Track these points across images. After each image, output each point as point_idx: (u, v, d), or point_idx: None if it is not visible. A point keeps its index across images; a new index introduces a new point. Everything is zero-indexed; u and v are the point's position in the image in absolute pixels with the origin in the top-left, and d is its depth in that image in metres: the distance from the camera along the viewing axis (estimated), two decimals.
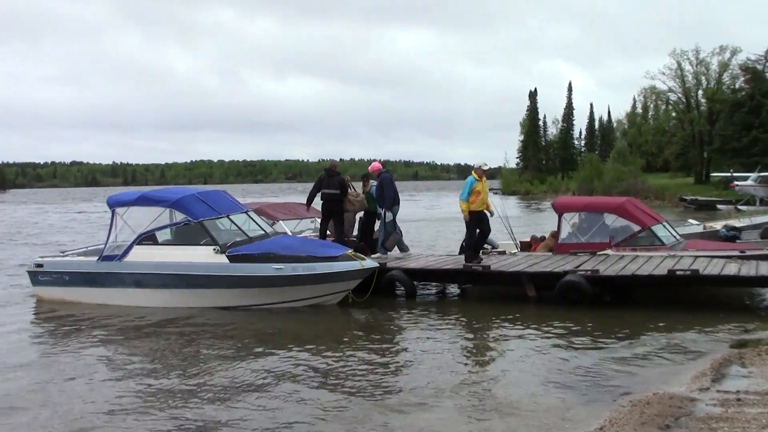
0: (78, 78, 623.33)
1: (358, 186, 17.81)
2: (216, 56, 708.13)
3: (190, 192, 15.45)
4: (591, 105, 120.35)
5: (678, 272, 13.00)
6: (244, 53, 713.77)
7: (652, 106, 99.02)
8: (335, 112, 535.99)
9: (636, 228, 15.91)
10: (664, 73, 76.38)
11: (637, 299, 13.74)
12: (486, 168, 15.55)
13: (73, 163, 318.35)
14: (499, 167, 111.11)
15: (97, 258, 14.98)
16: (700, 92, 76.19)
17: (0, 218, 55.51)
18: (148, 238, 14.62)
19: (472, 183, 15.08)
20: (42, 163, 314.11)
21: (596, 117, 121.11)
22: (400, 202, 17.02)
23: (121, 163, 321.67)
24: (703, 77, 75.37)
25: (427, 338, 11.39)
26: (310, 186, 17.49)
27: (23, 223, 48.72)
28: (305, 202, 17.48)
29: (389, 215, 16.51)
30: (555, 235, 16.70)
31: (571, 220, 16.60)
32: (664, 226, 16.51)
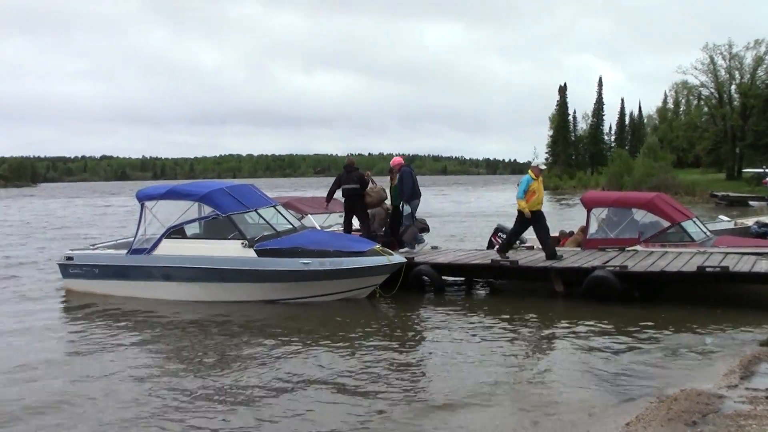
0: (107, 72, 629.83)
1: (385, 180, 17.84)
2: (243, 51, 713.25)
3: (218, 186, 15.52)
4: (622, 100, 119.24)
5: (708, 269, 12.87)
6: (271, 47, 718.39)
7: (683, 101, 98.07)
8: (363, 107, 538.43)
9: (666, 224, 15.76)
10: (696, 68, 75.71)
11: (666, 296, 13.61)
12: (543, 168, 15.48)
13: (103, 158, 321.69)
14: (528, 162, 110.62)
15: (126, 251, 15.11)
16: (733, 87, 75.41)
17: (30, 212, 56.19)
18: (176, 231, 14.73)
19: (529, 181, 15.01)
20: (72, 157, 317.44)
21: (627, 112, 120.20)
22: (421, 196, 17.08)
23: (150, 157, 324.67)
24: (736, 72, 74.61)
25: (455, 334, 11.35)
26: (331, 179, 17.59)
27: (53, 216, 49.28)
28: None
29: (407, 208, 16.52)
30: (583, 230, 16.61)
31: (600, 215, 16.48)
32: (694, 222, 16.35)
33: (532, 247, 16.74)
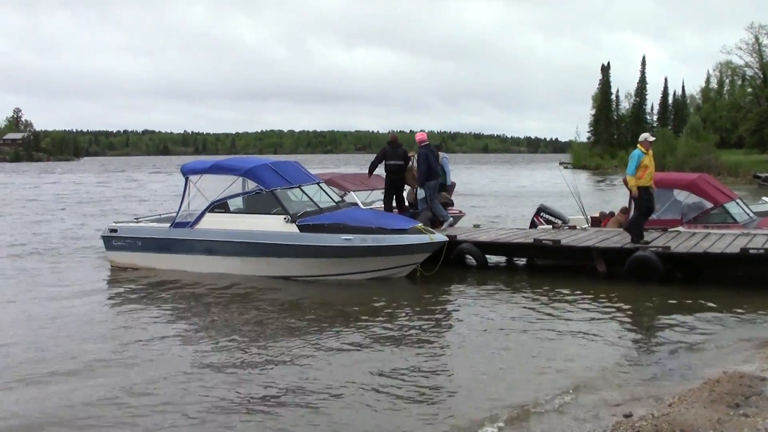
0: (146, 47, 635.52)
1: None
2: (282, 27, 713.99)
3: (262, 162, 15.64)
4: (665, 79, 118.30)
5: (751, 251, 12.73)
6: (310, 24, 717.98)
7: (727, 81, 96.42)
8: (403, 83, 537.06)
9: (708, 205, 15.62)
10: (741, 48, 74.48)
11: (709, 277, 13.50)
12: (652, 139, 14.72)
13: (145, 132, 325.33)
14: (570, 141, 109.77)
15: (169, 224, 15.31)
16: None
17: (74, 185, 56.98)
18: (220, 206, 14.87)
19: (640, 156, 14.33)
20: (115, 131, 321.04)
21: (670, 92, 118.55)
22: (439, 176, 16.94)
23: (192, 132, 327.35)
24: None
25: (496, 314, 11.38)
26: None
27: (96, 190, 49.97)
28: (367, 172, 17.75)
29: (421, 192, 16.55)
30: (626, 211, 16.49)
31: None
32: (738, 203, 16.18)
33: (574, 227, 16.67)
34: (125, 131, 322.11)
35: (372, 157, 17.93)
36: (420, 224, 14.47)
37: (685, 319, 10.80)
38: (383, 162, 16.94)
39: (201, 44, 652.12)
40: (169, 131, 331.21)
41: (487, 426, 6.64)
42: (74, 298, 12.82)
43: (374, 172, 17.72)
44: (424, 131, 17.28)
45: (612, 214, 17.79)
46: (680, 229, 15.33)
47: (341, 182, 18.43)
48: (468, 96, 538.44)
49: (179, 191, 15.79)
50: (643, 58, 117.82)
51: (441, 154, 17.42)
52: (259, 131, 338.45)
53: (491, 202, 36.24)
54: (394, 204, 17.10)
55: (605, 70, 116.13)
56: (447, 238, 14.34)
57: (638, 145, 14.59)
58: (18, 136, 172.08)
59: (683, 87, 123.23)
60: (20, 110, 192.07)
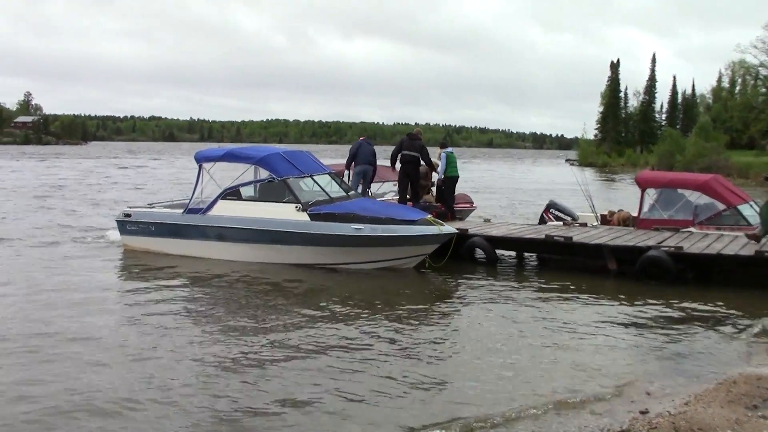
0: (146, 32, 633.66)
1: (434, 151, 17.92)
2: (281, 14, 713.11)
3: (275, 151, 15.73)
4: (674, 78, 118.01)
5: (767, 253, 12.70)
6: (309, 12, 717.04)
7: (740, 80, 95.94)
8: (404, 75, 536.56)
9: (721, 206, 15.56)
10: (756, 47, 74.04)
11: (720, 279, 13.46)
12: None
13: (152, 118, 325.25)
14: (576, 138, 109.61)
15: (182, 210, 15.37)
16: None
17: (84, 170, 57.08)
18: (232, 193, 14.96)
19: None
20: (122, 116, 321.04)
21: (679, 90, 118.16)
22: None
23: (198, 119, 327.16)
24: None
25: (505, 309, 11.33)
26: (382, 149, 17.74)
27: (106, 174, 50.06)
28: (389, 163, 17.81)
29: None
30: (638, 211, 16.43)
31: (654, 195, 16.30)
32: (751, 205, 16.11)
33: (585, 224, 16.63)
34: (132, 117, 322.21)
35: (378, 149, 18.05)
36: (429, 216, 14.48)
37: (697, 319, 10.77)
38: (401, 153, 17.00)
39: (199, 31, 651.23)
40: (175, 117, 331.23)
41: (501, 421, 6.61)
42: (85, 282, 12.82)
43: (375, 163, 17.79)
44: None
45: (620, 212, 17.70)
46: (692, 229, 15.29)
47: None
48: (470, 90, 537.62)
49: (190, 178, 15.76)
50: (653, 56, 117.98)
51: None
52: (264, 120, 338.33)
53: (498, 196, 36.15)
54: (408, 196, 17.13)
55: (614, 67, 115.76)
56: (456, 231, 14.35)
57: None
58: (28, 119, 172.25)
59: (693, 86, 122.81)
60: (30, 94, 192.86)
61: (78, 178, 44.16)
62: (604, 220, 17.47)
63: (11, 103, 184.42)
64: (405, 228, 13.80)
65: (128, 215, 15.96)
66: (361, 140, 17.50)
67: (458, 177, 18.03)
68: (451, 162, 17.50)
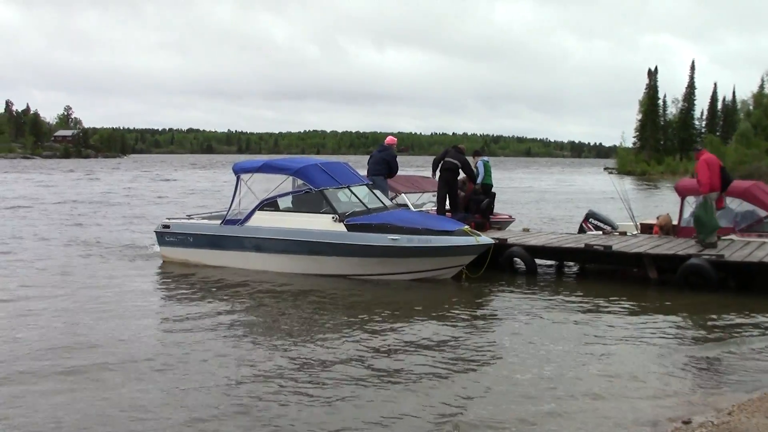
0: (180, 45, 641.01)
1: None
2: (311, 25, 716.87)
3: (312, 162, 15.80)
4: (714, 84, 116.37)
5: None
6: (339, 23, 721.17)
7: None
8: (439, 85, 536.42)
9: (763, 213, 15.34)
10: None
11: (763, 287, 13.20)
12: None
13: (190, 130, 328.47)
14: (615, 146, 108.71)
15: (220, 222, 15.48)
16: None
17: (124, 182, 57.80)
18: (270, 204, 15.03)
19: None
20: (160, 129, 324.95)
21: (719, 97, 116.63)
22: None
23: (235, 131, 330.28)
24: None
25: (544, 319, 11.21)
26: (421, 159, 17.79)
27: (146, 186, 50.64)
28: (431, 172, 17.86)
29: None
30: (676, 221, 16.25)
31: (694, 203, 16.08)
32: None
33: (624, 233, 16.47)
34: (170, 129, 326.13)
35: (415, 159, 18.17)
36: (466, 226, 14.44)
37: (741, 328, 10.62)
38: (443, 160, 17.00)
39: (230, 42, 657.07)
40: (212, 130, 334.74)
41: (541, 430, 6.57)
42: (122, 292, 12.99)
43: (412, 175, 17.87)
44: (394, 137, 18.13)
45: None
46: (733, 237, 15.08)
47: (393, 184, 18.46)
48: (506, 99, 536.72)
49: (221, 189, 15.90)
50: (692, 63, 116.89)
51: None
52: (302, 131, 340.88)
53: (537, 206, 35.98)
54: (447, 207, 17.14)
55: (652, 74, 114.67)
56: (493, 241, 14.29)
57: None
58: (68, 132, 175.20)
59: (734, 92, 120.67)
60: (70, 108, 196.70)
61: (118, 191, 44.71)
62: (645, 229, 17.26)
63: (51, 117, 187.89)
64: (442, 239, 13.77)
65: (167, 227, 16.12)
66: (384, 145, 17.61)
67: (492, 185, 18.07)
68: (488, 171, 17.74)
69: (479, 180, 17.61)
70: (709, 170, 14.61)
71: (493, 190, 18.27)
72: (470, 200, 17.62)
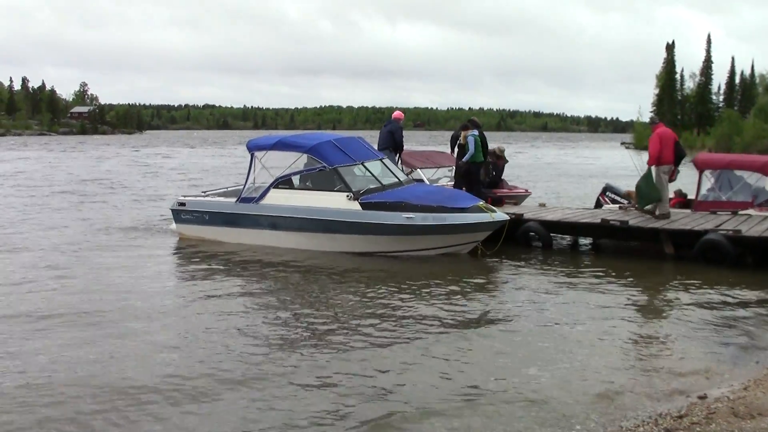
0: (192, 20, 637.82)
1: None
2: (322, 1, 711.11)
3: (326, 138, 15.73)
4: (732, 59, 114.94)
5: None
6: None
7: None
8: (454, 60, 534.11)
9: None
10: None
11: None
12: None
13: (206, 106, 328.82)
14: (632, 121, 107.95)
15: (235, 199, 15.49)
16: None
17: (141, 158, 57.91)
18: (284, 182, 15.03)
19: None
20: (176, 105, 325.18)
21: (737, 71, 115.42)
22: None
23: (251, 107, 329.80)
24: None
25: (562, 296, 11.17)
26: (437, 134, 17.68)
27: (162, 163, 50.74)
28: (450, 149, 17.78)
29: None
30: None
31: (711, 177, 15.95)
32: None
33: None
34: (186, 105, 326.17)
35: (431, 134, 18.06)
36: (482, 202, 14.40)
37: (757, 303, 10.58)
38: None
39: (243, 17, 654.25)
40: (228, 105, 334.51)
41: (558, 405, 6.57)
42: (139, 269, 13.08)
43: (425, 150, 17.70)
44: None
45: (682, 194, 17.28)
46: (751, 212, 14.96)
47: (408, 159, 18.42)
48: (522, 73, 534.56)
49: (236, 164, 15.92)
50: (708, 37, 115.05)
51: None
52: (318, 107, 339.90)
53: (554, 180, 35.82)
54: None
55: (670, 48, 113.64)
56: (508, 217, 14.24)
57: None
58: (84, 109, 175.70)
59: (753, 66, 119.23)
60: (86, 84, 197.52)
61: (136, 167, 44.83)
62: None
63: (67, 93, 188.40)
64: (456, 216, 13.77)
65: (182, 204, 16.15)
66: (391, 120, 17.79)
67: (483, 162, 17.17)
68: (478, 146, 16.46)
69: (466, 157, 16.32)
70: (661, 144, 14.98)
71: (508, 164, 18.02)
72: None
